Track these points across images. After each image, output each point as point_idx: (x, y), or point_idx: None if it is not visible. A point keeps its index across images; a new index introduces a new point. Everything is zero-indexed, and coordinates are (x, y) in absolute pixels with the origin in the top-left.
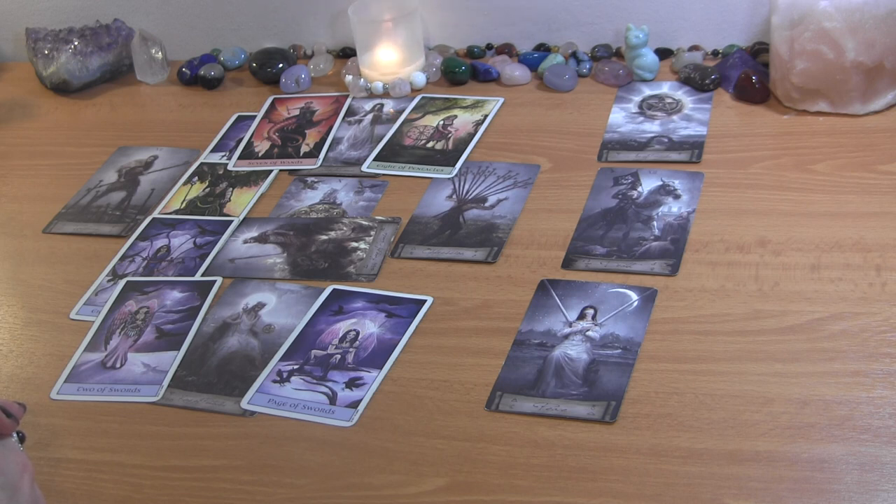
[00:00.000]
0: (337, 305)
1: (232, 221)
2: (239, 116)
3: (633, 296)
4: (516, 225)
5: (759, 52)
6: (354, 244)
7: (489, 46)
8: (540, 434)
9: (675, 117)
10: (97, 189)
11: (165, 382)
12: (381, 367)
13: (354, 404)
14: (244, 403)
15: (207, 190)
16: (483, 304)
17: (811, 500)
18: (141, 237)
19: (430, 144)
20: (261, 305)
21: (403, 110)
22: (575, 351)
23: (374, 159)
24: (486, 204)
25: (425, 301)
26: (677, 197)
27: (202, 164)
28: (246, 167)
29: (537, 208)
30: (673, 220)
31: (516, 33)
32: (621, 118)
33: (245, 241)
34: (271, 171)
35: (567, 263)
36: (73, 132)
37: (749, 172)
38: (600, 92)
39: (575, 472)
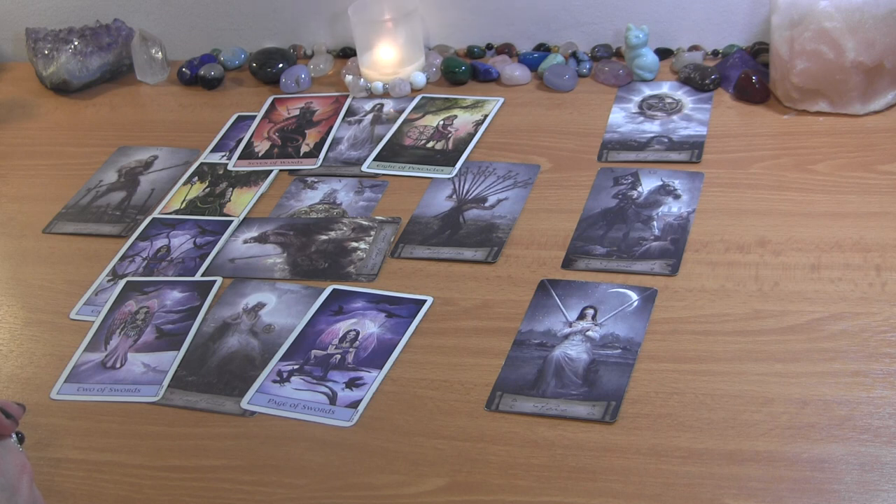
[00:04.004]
0: (337, 305)
1: (232, 221)
2: (239, 116)
3: (633, 296)
4: (516, 225)
5: (759, 52)
6: (354, 244)
7: (489, 46)
8: (540, 434)
9: (675, 117)
10: (97, 189)
11: (165, 382)
12: (381, 367)
13: (354, 404)
14: (244, 403)
15: (207, 190)
16: (483, 304)
17: (811, 500)
18: (141, 237)
19: (430, 144)
20: (261, 305)
21: (403, 110)
22: (575, 351)
23: (374, 159)
24: (486, 204)
25: (425, 301)
26: (677, 197)
27: (202, 164)
28: (246, 167)
29: (537, 208)
30: (673, 220)
31: (516, 33)
32: (621, 118)
33: (245, 241)
34: (271, 171)
35: (567, 263)
36: (73, 132)
37: (749, 172)
38: (600, 92)
39: (575, 472)
